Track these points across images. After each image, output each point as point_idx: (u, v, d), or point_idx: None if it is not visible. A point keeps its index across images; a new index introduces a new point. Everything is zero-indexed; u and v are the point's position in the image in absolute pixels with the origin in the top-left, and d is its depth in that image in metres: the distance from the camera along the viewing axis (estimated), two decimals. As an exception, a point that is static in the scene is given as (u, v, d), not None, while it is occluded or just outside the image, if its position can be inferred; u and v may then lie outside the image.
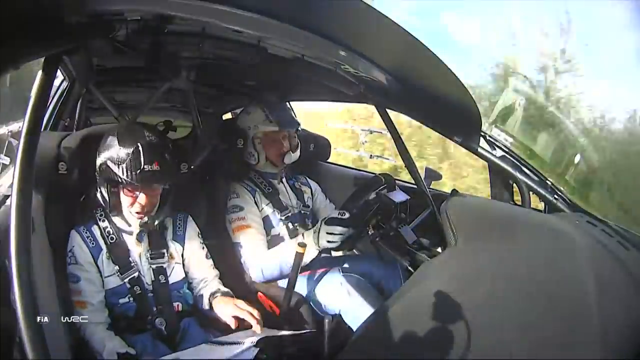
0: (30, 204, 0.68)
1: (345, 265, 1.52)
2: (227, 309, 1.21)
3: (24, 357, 0.60)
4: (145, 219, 1.21)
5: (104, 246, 1.21)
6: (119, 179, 1.13)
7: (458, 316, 0.68)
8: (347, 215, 1.23)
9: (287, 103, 1.82)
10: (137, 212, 1.19)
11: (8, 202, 1.14)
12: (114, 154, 1.13)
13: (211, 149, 1.74)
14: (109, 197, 1.18)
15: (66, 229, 1.22)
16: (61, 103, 1.72)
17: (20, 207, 0.66)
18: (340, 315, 1.36)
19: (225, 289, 1.32)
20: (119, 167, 1.12)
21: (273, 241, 1.56)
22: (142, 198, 1.17)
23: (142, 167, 1.11)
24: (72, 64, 1.33)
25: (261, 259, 1.44)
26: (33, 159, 0.69)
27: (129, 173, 1.11)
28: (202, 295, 1.32)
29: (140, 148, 1.12)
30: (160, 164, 1.14)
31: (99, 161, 1.16)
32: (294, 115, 1.66)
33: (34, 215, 1.05)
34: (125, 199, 1.18)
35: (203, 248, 1.38)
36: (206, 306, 1.29)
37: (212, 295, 1.29)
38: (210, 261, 1.38)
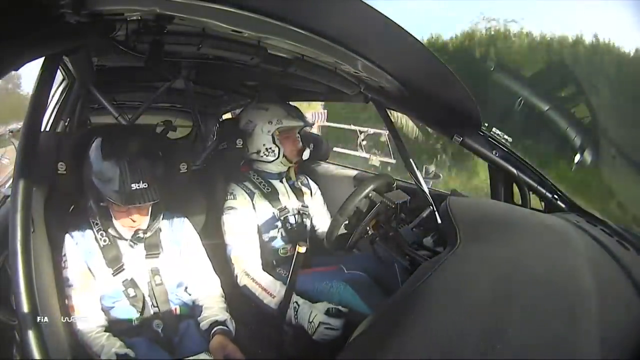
0: (30, 204, 0.68)
1: (346, 265, 1.52)
2: (219, 353, 1.16)
3: (24, 357, 0.60)
4: (140, 233, 1.20)
5: (97, 250, 1.19)
6: (106, 199, 1.10)
7: (458, 316, 0.68)
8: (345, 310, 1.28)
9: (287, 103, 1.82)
10: (128, 227, 1.18)
11: (8, 202, 1.14)
12: (99, 171, 1.09)
13: (211, 149, 1.74)
14: (98, 212, 1.16)
15: (66, 230, 1.21)
16: (61, 103, 1.72)
17: (20, 207, 0.66)
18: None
19: (225, 317, 1.25)
20: (105, 187, 1.08)
21: (271, 242, 1.56)
22: (132, 215, 1.15)
23: (128, 187, 1.06)
24: (72, 64, 1.33)
25: (250, 268, 1.44)
26: (33, 159, 0.69)
27: (115, 194, 1.08)
28: (200, 306, 1.29)
29: (126, 166, 1.06)
30: (148, 180, 1.08)
31: (85, 176, 1.13)
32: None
33: (34, 215, 1.06)
34: (115, 214, 1.16)
35: (201, 251, 1.36)
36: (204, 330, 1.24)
37: (213, 325, 1.22)
38: (209, 264, 1.36)
